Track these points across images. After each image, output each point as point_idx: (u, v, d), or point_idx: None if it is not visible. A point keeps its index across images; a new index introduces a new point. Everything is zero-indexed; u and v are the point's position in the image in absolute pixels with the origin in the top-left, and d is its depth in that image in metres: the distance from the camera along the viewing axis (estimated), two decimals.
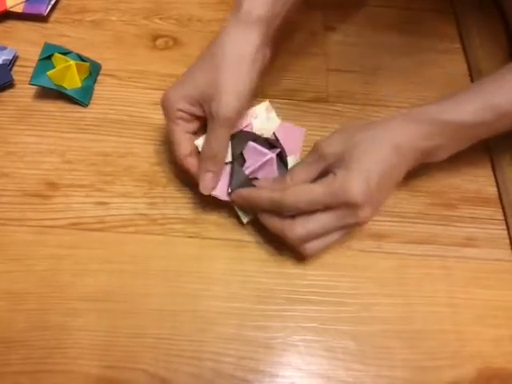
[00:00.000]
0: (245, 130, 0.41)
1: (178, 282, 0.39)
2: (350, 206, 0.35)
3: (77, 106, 0.47)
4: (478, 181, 0.46)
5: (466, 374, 0.37)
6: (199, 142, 0.39)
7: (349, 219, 0.35)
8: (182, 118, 0.39)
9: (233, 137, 0.39)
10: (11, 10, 0.52)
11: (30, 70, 0.46)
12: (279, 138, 0.42)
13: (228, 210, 0.42)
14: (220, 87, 0.36)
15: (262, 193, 0.37)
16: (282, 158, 0.41)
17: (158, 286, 0.39)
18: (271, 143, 0.41)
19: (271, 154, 0.39)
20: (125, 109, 0.48)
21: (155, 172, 0.44)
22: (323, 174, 0.37)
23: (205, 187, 0.39)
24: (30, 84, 0.46)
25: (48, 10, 0.53)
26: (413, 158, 0.37)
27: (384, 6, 0.58)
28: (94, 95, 0.48)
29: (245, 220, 0.40)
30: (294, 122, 0.43)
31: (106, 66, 0.50)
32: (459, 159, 0.46)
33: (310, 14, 0.56)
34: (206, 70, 0.37)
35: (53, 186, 0.43)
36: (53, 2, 0.53)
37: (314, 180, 0.37)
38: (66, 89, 0.47)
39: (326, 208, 0.35)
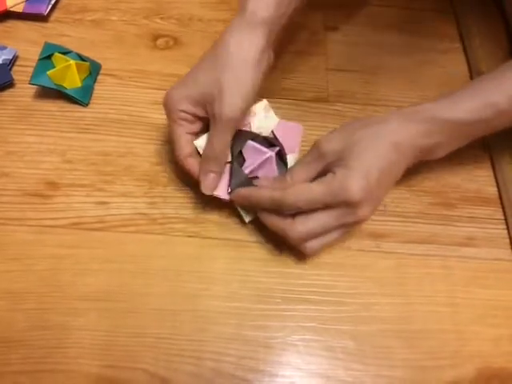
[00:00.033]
0: (243, 129, 0.41)
1: (177, 281, 0.39)
2: (349, 205, 0.35)
3: (77, 106, 0.47)
4: (478, 180, 0.46)
5: (466, 374, 0.37)
6: (198, 142, 0.39)
7: (348, 218, 0.36)
8: (184, 119, 0.39)
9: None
10: (11, 9, 0.52)
11: (30, 70, 0.46)
12: (278, 137, 0.42)
13: (228, 209, 0.42)
14: (224, 88, 0.36)
15: (263, 192, 0.38)
16: (281, 156, 0.41)
17: (158, 285, 0.39)
18: (270, 142, 0.41)
19: (270, 153, 0.40)
20: (125, 108, 0.48)
21: (155, 171, 0.44)
22: (323, 173, 0.37)
23: (207, 187, 0.39)
24: (30, 84, 0.46)
25: (48, 9, 0.53)
26: (412, 155, 0.37)
27: (384, 6, 0.58)
28: (94, 95, 0.48)
29: (247, 219, 0.40)
30: (294, 122, 0.43)
31: (106, 66, 0.50)
32: (459, 159, 0.46)
33: (310, 13, 0.56)
34: (209, 70, 0.37)
35: (53, 185, 0.43)
36: (53, 2, 0.53)
37: (315, 178, 0.37)
38: (66, 88, 0.47)
39: (326, 207, 0.35)
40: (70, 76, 0.47)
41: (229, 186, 0.39)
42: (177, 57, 0.52)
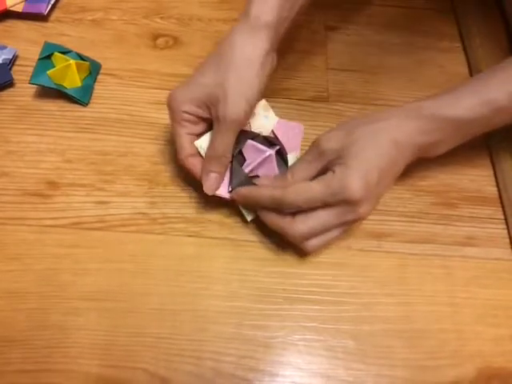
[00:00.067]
0: (243, 129, 0.41)
1: (177, 281, 0.39)
2: (349, 203, 0.35)
3: (77, 106, 0.47)
4: (478, 180, 0.46)
5: (466, 374, 0.37)
6: (198, 142, 0.39)
7: (348, 216, 0.36)
8: (187, 120, 0.39)
9: None
10: (11, 9, 0.52)
11: (30, 70, 0.46)
12: (278, 136, 0.42)
13: (228, 209, 0.42)
14: (228, 90, 0.36)
15: (263, 191, 0.38)
16: (281, 155, 0.41)
17: (157, 285, 0.39)
18: (270, 141, 0.41)
19: (270, 151, 0.40)
20: (125, 108, 0.48)
21: (155, 171, 0.44)
22: (323, 171, 0.37)
23: (208, 188, 0.39)
24: (29, 83, 0.46)
25: (48, 9, 0.53)
26: (411, 152, 0.37)
27: (384, 6, 0.58)
28: (94, 94, 0.48)
29: (249, 218, 0.40)
30: (295, 122, 0.43)
31: (106, 65, 0.50)
32: (459, 158, 0.46)
33: (311, 13, 0.56)
34: (213, 72, 0.37)
35: (53, 185, 0.43)
36: (53, 1, 0.53)
37: (315, 177, 0.37)
38: (65, 88, 0.47)
39: (326, 205, 0.35)
40: (69, 76, 0.47)
41: (229, 185, 0.39)
42: (177, 56, 0.52)
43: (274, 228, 0.38)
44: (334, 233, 0.37)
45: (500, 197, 0.45)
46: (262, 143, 0.40)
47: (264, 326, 0.38)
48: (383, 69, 0.52)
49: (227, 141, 0.38)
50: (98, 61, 0.50)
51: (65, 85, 0.47)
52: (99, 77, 0.50)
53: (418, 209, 0.44)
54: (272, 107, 0.43)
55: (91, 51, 0.50)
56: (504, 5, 0.56)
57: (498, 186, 0.46)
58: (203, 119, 0.39)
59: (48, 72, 0.45)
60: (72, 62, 0.46)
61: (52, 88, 0.46)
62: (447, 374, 0.37)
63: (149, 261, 0.40)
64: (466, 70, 0.53)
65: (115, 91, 0.49)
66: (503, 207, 0.44)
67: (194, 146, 0.39)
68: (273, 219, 0.38)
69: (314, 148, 0.38)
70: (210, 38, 0.53)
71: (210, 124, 0.39)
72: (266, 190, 0.38)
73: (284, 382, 0.36)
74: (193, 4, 0.56)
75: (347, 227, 0.38)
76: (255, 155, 0.40)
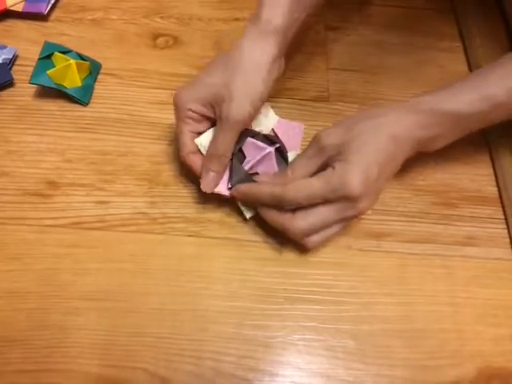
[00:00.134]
0: None
1: (178, 281, 0.39)
2: (349, 199, 0.35)
3: (77, 105, 0.47)
4: (479, 180, 0.46)
5: (467, 373, 0.37)
6: (199, 139, 0.39)
7: (349, 212, 0.36)
8: (191, 118, 0.39)
9: None
10: (11, 8, 0.52)
11: (30, 69, 0.46)
12: (279, 135, 0.42)
13: (228, 208, 0.42)
14: (234, 91, 0.36)
15: (263, 188, 0.38)
16: (281, 153, 0.41)
17: (158, 285, 0.39)
18: (270, 139, 0.41)
19: (270, 148, 0.40)
20: (125, 108, 0.48)
21: (155, 171, 0.44)
22: (323, 167, 0.37)
23: (206, 185, 0.39)
24: (29, 83, 0.46)
25: (48, 8, 0.53)
26: (410, 147, 0.37)
27: (384, 6, 0.58)
28: (94, 94, 0.48)
29: (248, 215, 0.40)
30: (296, 121, 0.43)
31: (106, 65, 0.50)
32: (460, 158, 0.46)
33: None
34: (220, 73, 0.38)
35: (53, 185, 0.43)
36: (53, 1, 0.53)
37: (315, 173, 0.37)
38: (66, 88, 0.47)
39: (326, 201, 0.36)
40: (70, 75, 0.47)
41: (229, 182, 0.39)
42: (177, 56, 0.52)
43: (274, 225, 0.38)
44: (334, 229, 0.37)
45: (500, 196, 0.45)
46: (262, 141, 0.40)
47: (264, 326, 0.38)
48: (383, 69, 0.52)
49: (229, 140, 0.38)
50: (98, 60, 0.50)
51: (65, 84, 0.47)
52: (99, 76, 0.50)
53: (418, 208, 0.44)
54: (272, 107, 0.43)
55: (91, 51, 0.50)
56: (504, 5, 0.56)
57: (498, 185, 0.46)
58: (207, 118, 0.39)
59: (48, 72, 0.45)
60: (72, 61, 0.46)
61: (52, 88, 0.46)
62: (447, 374, 0.37)
63: (149, 260, 0.40)
64: (466, 69, 0.53)
65: (115, 91, 0.49)
66: (503, 207, 0.44)
67: (195, 143, 0.39)
68: (273, 216, 0.38)
69: (314, 144, 0.38)
70: (210, 38, 0.53)
71: (213, 123, 0.40)
72: (265, 186, 0.38)
73: (284, 382, 0.36)
74: (193, 4, 0.56)
75: (347, 223, 0.38)
76: (255, 152, 0.40)
